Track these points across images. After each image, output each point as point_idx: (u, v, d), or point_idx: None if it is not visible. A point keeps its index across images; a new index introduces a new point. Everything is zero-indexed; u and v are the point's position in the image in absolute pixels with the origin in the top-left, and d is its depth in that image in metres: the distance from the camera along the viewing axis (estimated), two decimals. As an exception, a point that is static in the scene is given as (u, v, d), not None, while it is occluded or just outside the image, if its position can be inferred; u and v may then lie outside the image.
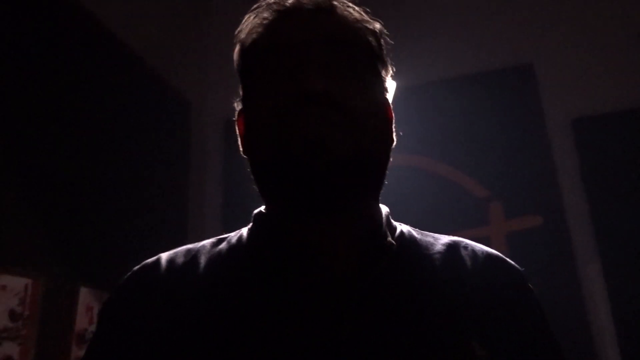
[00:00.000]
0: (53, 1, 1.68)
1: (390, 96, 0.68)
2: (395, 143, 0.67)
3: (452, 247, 0.66)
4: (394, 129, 0.68)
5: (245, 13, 0.67)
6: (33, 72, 1.55)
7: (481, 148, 2.26)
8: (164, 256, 0.64)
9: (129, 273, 0.64)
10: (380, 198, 0.67)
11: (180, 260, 0.63)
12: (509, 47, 2.37)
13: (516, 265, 0.68)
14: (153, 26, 2.29)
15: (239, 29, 0.66)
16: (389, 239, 0.61)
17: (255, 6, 0.66)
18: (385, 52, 0.68)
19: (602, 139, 2.12)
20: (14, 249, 1.40)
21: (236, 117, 0.68)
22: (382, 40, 0.67)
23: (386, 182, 0.65)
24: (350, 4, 0.65)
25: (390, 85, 0.69)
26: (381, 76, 0.66)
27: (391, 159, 0.65)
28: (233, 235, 0.67)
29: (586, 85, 2.22)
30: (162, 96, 2.28)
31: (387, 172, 0.64)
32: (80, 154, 1.71)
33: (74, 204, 1.65)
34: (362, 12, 0.66)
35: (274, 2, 0.64)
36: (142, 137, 2.08)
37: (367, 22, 0.66)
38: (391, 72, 0.69)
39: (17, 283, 1.36)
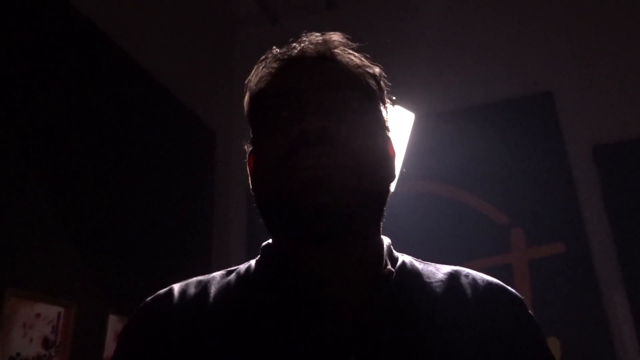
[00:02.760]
0: (89, 38, 1.78)
1: (393, 135, 0.72)
2: (396, 179, 0.71)
3: (453, 276, 0.68)
4: (395, 165, 0.71)
5: (268, 46, 0.72)
6: (74, 106, 1.64)
7: (502, 175, 2.27)
8: (176, 287, 0.68)
9: (142, 304, 0.68)
10: (383, 226, 0.69)
11: (191, 291, 0.67)
12: (528, 75, 2.39)
13: (516, 292, 0.70)
14: (180, 59, 2.38)
15: (248, 78, 0.71)
16: (389, 267, 0.64)
17: (263, 57, 0.71)
18: (385, 94, 0.72)
19: (624, 165, 2.12)
20: (48, 279, 1.46)
21: (247, 158, 0.73)
22: (382, 83, 0.71)
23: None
24: (351, 52, 0.70)
25: (393, 124, 0.72)
26: (381, 116, 0.70)
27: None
28: (242, 267, 0.70)
29: (606, 113, 2.22)
30: (189, 126, 2.36)
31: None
32: (110, 186, 1.78)
33: (103, 236, 1.72)
34: (362, 58, 0.71)
35: (280, 53, 0.70)
36: (169, 166, 2.15)
37: (367, 66, 0.70)
38: (392, 111, 0.72)
39: (50, 311, 1.42)
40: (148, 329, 0.63)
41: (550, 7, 2.47)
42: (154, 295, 0.68)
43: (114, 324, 1.65)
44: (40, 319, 1.39)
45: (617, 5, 2.36)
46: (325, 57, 0.67)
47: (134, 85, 2.01)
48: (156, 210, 2.01)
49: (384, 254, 0.67)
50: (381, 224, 0.69)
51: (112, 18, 1.93)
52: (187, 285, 0.68)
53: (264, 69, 0.69)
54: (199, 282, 0.68)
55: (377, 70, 0.71)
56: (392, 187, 0.69)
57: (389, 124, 0.71)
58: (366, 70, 0.69)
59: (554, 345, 1.95)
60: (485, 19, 2.55)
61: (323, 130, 0.60)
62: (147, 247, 1.92)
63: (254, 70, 0.71)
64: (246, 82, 0.71)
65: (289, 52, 0.69)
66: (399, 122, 1.85)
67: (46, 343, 1.39)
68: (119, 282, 1.75)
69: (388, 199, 0.67)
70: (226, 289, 0.66)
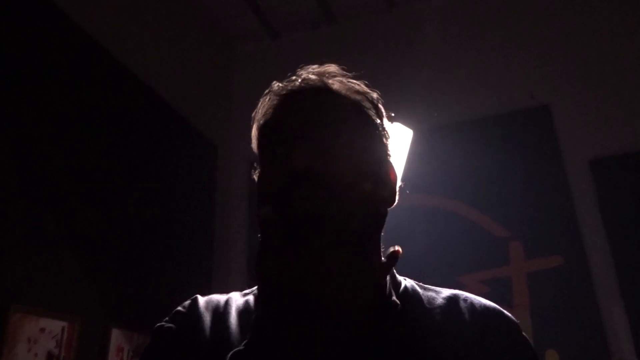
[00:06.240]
0: (91, 55, 1.81)
1: (393, 158, 0.74)
2: (395, 203, 0.71)
3: (452, 301, 0.70)
4: (395, 189, 0.72)
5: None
6: (77, 123, 1.67)
7: (500, 188, 2.29)
8: (200, 298, 0.73)
9: (173, 312, 0.72)
10: (383, 239, 0.70)
11: (213, 304, 0.71)
12: (526, 89, 2.42)
13: (512, 317, 0.71)
14: (181, 74, 2.42)
15: (255, 110, 0.74)
16: (394, 298, 0.66)
17: (267, 91, 0.74)
18: (383, 118, 0.73)
19: (620, 178, 2.14)
20: (53, 294, 1.48)
21: (257, 182, 0.76)
22: (380, 107, 0.73)
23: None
24: (349, 80, 0.72)
25: (394, 147, 0.74)
26: (378, 141, 0.71)
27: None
28: (256, 290, 0.73)
29: (603, 127, 2.25)
30: (190, 140, 2.39)
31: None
32: (113, 201, 1.80)
33: (107, 251, 1.74)
34: (361, 84, 0.72)
35: (281, 87, 0.72)
36: (171, 180, 2.18)
37: (365, 92, 0.72)
38: (391, 135, 0.74)
39: (54, 326, 1.44)
40: (179, 337, 0.67)
41: (548, 21, 2.51)
42: (181, 305, 0.73)
43: (116, 338, 1.67)
44: (44, 334, 1.40)
45: (613, 20, 2.39)
46: (320, 89, 0.69)
47: (137, 100, 2.04)
48: (158, 224, 2.04)
49: (388, 282, 0.68)
50: (381, 250, 0.69)
51: (114, 34, 1.96)
52: (210, 299, 0.73)
53: (268, 102, 0.72)
54: (220, 296, 0.74)
55: (374, 95, 0.72)
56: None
57: (389, 147, 0.73)
58: (364, 96, 0.71)
59: (552, 358, 1.96)
60: (483, 33, 2.58)
61: (309, 170, 0.61)
62: (149, 262, 1.94)
63: (259, 103, 0.73)
64: (253, 115, 0.74)
65: (288, 86, 0.71)
66: (398, 138, 1.87)
67: (50, 357, 1.41)
68: (122, 297, 1.77)
69: (385, 222, 0.68)
70: (244, 308, 0.71)
